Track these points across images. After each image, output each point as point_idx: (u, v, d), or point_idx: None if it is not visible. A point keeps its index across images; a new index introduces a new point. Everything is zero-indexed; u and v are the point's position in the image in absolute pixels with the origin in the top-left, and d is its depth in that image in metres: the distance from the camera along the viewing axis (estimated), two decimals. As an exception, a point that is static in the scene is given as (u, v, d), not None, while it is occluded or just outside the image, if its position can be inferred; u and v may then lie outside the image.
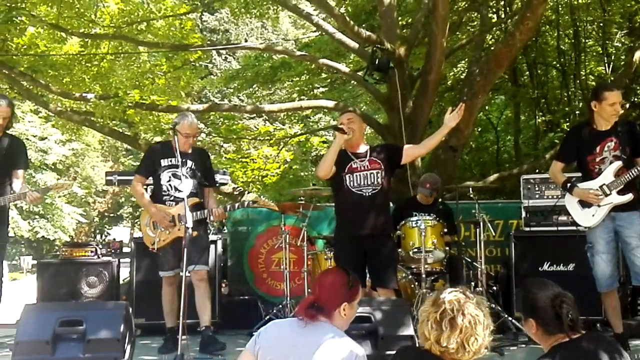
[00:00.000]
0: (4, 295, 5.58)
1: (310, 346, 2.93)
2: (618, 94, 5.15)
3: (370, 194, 5.31)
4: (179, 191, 5.58)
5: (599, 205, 5.05)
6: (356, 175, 5.33)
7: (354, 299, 3.16)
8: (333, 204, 8.22)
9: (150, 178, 5.88)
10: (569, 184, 5.21)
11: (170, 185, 5.69)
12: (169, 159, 5.68)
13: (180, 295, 5.55)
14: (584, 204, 5.13)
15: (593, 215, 5.09)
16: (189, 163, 5.65)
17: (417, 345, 3.02)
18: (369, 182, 5.32)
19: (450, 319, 2.59)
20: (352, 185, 5.32)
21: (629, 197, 5.00)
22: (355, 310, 3.22)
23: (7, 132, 5.80)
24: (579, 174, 5.36)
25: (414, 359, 2.76)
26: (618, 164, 5.04)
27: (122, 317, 4.36)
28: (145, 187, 5.94)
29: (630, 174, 4.99)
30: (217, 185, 6.22)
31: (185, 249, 5.00)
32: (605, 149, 5.10)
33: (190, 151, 5.71)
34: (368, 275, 5.55)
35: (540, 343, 2.98)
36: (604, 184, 5.04)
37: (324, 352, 2.92)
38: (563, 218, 6.55)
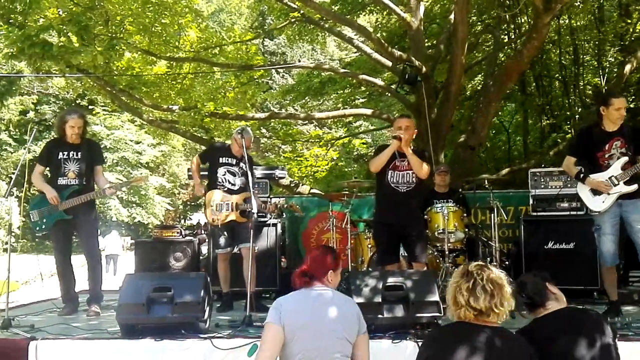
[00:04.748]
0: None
1: (319, 309, 2.96)
2: (623, 100, 4.99)
3: (404, 190, 5.20)
4: (232, 184, 5.81)
5: (608, 194, 4.92)
6: (397, 173, 5.22)
7: (337, 268, 3.18)
8: (372, 194, 8.23)
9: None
10: (582, 175, 5.06)
11: (224, 178, 5.85)
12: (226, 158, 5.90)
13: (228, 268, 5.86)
14: (595, 192, 4.99)
15: (603, 202, 4.95)
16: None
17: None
18: (405, 181, 5.21)
19: (482, 287, 2.54)
20: (391, 180, 5.22)
21: (634, 187, 4.86)
22: (339, 277, 3.22)
23: (84, 137, 5.80)
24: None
25: (448, 329, 2.66)
26: (625, 159, 4.90)
27: (202, 285, 4.40)
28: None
29: (636, 167, 4.86)
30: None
31: (252, 230, 5.09)
32: (613, 147, 4.95)
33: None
34: (402, 253, 5.55)
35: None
36: (613, 176, 4.91)
37: (336, 305, 2.98)
38: (564, 204, 6.42)
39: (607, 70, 12.43)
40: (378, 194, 5.46)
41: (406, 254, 5.53)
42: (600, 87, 11.85)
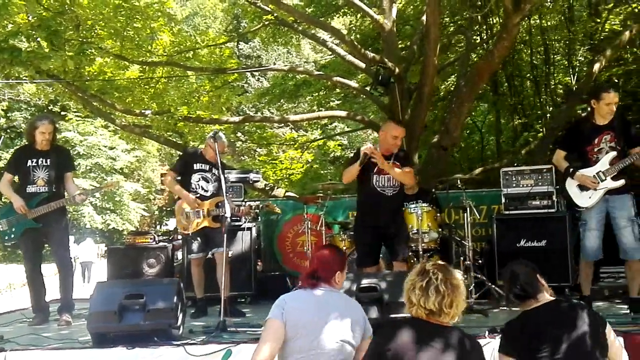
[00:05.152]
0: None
1: (321, 309, 2.93)
2: (614, 95, 4.98)
3: (391, 194, 5.22)
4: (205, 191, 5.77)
5: (595, 189, 4.94)
6: (382, 177, 5.21)
7: (344, 268, 3.19)
8: (346, 195, 8.26)
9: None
10: (570, 170, 5.07)
11: (198, 185, 5.80)
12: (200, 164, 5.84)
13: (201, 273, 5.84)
14: (583, 187, 5.00)
15: (590, 198, 4.97)
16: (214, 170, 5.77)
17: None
18: (391, 184, 5.22)
19: (435, 287, 2.55)
20: (377, 184, 5.20)
21: (621, 182, 4.89)
22: (344, 277, 3.25)
23: (53, 143, 5.76)
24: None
25: (401, 324, 2.65)
26: (613, 154, 4.91)
27: (175, 291, 4.37)
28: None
29: (623, 162, 4.88)
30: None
31: (225, 235, 5.04)
32: (603, 141, 4.97)
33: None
34: (381, 255, 5.58)
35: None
36: (600, 171, 4.92)
37: (332, 312, 2.94)
38: (536, 202, 6.48)
39: (577, 69, 12.60)
40: (362, 196, 5.43)
41: (387, 254, 5.57)
42: (571, 86, 12.02)
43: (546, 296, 2.95)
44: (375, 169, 5.20)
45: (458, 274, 2.66)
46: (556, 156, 5.29)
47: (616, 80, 10.89)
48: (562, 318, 2.80)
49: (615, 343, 2.83)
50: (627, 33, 9.50)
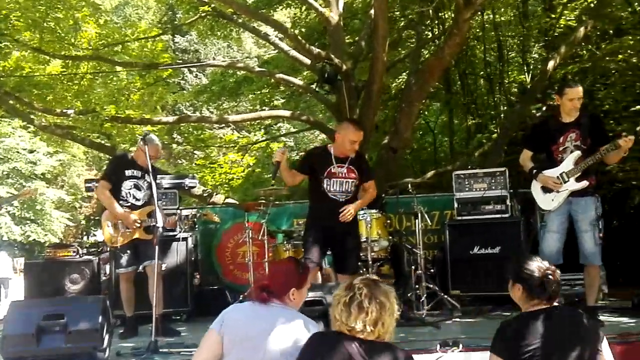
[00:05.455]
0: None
1: (267, 324, 2.87)
2: (577, 91, 5.03)
3: (343, 199, 5.14)
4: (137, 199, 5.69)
5: (557, 191, 5.02)
6: (333, 181, 5.14)
7: (302, 285, 3.10)
8: (290, 202, 8.27)
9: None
10: (534, 171, 5.14)
11: (129, 193, 5.69)
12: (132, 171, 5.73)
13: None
14: (546, 189, 5.08)
15: (552, 200, 5.05)
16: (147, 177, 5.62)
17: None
18: (344, 190, 5.15)
19: (358, 303, 2.54)
20: (328, 189, 5.13)
21: (583, 184, 4.95)
22: (305, 295, 3.16)
23: None
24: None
25: (329, 339, 2.62)
26: (577, 153, 4.97)
27: (100, 309, 4.30)
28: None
29: (586, 162, 4.93)
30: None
31: (157, 247, 4.98)
32: (568, 139, 5.03)
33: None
34: (326, 263, 5.59)
35: (521, 306, 2.99)
36: (563, 172, 4.99)
37: (279, 329, 2.86)
38: (489, 207, 6.65)
39: (531, 67, 12.97)
40: (312, 201, 5.39)
41: (334, 264, 5.50)
42: (526, 84, 12.36)
43: (553, 302, 2.97)
44: (326, 172, 5.16)
45: (390, 291, 2.65)
46: (522, 156, 5.35)
47: (571, 78, 11.25)
48: (560, 325, 2.83)
49: (608, 357, 2.89)
50: (582, 29, 9.82)
